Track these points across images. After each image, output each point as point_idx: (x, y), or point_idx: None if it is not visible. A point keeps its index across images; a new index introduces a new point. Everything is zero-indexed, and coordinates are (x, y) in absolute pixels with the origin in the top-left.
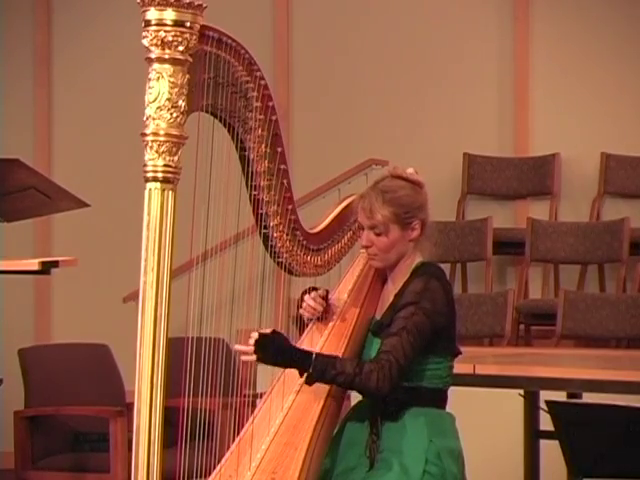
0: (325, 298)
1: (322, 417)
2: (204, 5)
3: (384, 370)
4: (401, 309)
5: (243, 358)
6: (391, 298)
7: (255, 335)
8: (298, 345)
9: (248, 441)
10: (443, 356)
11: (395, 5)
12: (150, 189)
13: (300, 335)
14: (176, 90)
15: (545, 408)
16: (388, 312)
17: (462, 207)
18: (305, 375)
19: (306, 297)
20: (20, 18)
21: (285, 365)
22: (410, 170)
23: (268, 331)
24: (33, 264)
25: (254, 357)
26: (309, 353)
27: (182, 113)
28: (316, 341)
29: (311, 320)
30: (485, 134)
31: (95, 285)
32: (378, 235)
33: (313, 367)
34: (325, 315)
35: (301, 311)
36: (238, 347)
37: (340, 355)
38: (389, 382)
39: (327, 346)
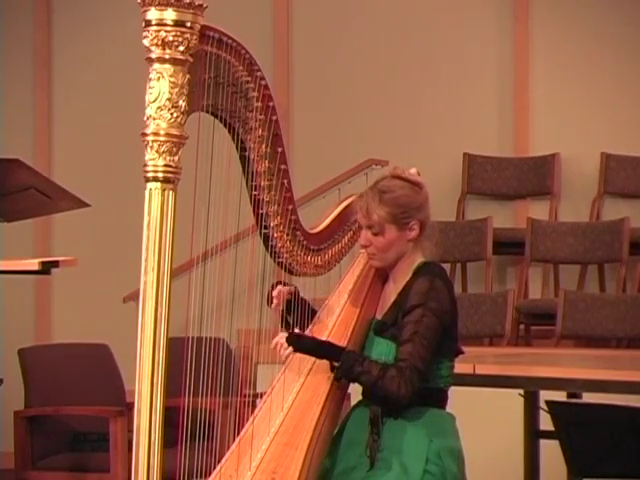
0: (294, 294)
1: (322, 417)
2: (204, 5)
3: (405, 377)
4: (409, 312)
5: (283, 353)
6: (393, 297)
7: (284, 334)
8: None
9: (248, 441)
10: (445, 355)
11: (395, 5)
12: (150, 189)
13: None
14: (176, 90)
15: (545, 408)
16: (391, 311)
17: (462, 207)
18: (335, 369)
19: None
20: (20, 18)
21: (319, 354)
22: (412, 170)
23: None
24: (33, 264)
25: (291, 349)
26: (341, 347)
27: (182, 113)
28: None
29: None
30: (485, 134)
31: (95, 285)
32: (375, 235)
33: (342, 361)
34: (319, 318)
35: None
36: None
37: None
38: (411, 389)
39: None
